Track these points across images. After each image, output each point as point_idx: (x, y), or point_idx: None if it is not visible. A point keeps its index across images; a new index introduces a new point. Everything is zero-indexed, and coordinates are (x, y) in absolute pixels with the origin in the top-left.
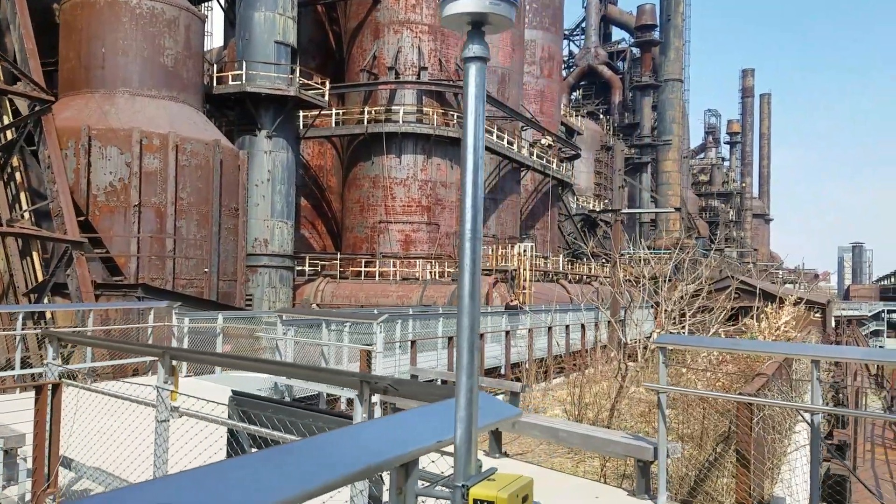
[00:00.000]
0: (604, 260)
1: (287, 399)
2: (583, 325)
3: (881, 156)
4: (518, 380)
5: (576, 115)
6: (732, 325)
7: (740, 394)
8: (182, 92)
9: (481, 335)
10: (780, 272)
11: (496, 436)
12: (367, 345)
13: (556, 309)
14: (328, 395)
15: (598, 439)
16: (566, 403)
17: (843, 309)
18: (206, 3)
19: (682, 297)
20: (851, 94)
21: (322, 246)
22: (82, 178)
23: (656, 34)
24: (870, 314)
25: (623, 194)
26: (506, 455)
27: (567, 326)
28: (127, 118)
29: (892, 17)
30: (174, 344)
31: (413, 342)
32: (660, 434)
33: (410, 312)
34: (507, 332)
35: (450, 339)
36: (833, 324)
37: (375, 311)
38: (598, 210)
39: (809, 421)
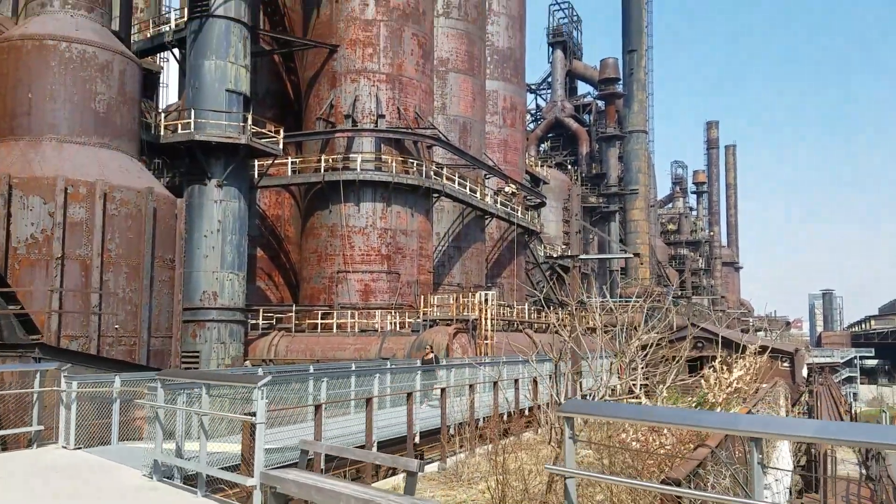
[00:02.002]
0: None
1: None
2: (534, 380)
3: (846, 202)
4: (420, 456)
5: (542, 166)
6: (692, 377)
7: (664, 481)
8: (115, 139)
9: (372, 397)
10: (752, 320)
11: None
12: (251, 413)
13: (487, 362)
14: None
15: None
16: (489, 477)
17: (816, 356)
18: (162, 55)
19: (643, 347)
20: (816, 143)
21: (279, 298)
22: (0, 230)
23: (620, 87)
24: (842, 361)
25: (579, 240)
26: None
27: (516, 381)
28: (52, 166)
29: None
30: (61, 413)
31: (318, 406)
32: None
33: (328, 368)
34: (409, 395)
35: (368, 400)
36: (805, 372)
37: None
38: (554, 256)
39: None
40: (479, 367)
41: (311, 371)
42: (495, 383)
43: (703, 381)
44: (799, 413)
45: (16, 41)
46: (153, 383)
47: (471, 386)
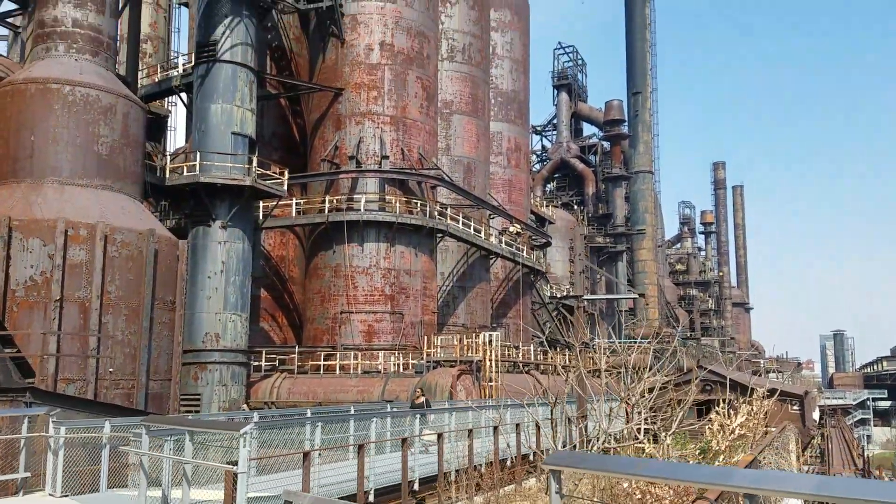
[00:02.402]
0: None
1: None
2: (536, 425)
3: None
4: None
5: (548, 206)
6: (700, 421)
7: None
8: (118, 181)
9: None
10: (762, 361)
11: None
12: (232, 463)
13: (483, 405)
14: None
15: None
16: None
17: (827, 398)
18: (170, 99)
19: (650, 390)
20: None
21: (283, 339)
22: None
23: (625, 128)
24: (854, 402)
25: (583, 280)
26: None
27: (517, 426)
28: (53, 208)
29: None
30: (49, 459)
31: (306, 454)
32: None
33: (325, 412)
34: (404, 440)
35: (360, 447)
36: (817, 414)
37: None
38: (558, 297)
39: None
40: (476, 411)
41: (305, 415)
42: (496, 428)
43: (716, 419)
44: (811, 457)
45: (19, 84)
46: (138, 429)
47: (470, 431)
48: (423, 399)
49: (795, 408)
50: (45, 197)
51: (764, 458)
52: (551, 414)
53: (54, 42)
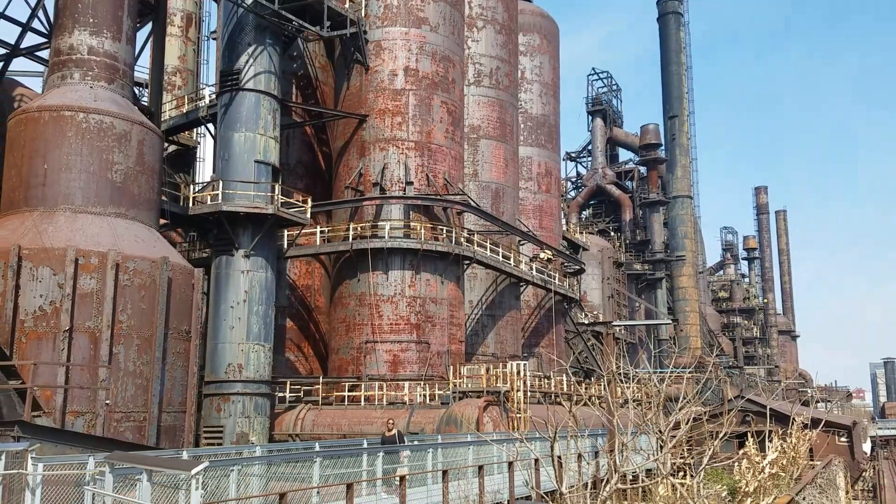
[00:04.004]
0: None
1: None
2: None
3: None
4: None
5: (582, 232)
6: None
7: None
8: (132, 208)
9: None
10: (810, 391)
11: None
12: None
13: (466, 442)
14: None
15: None
16: None
17: (880, 428)
18: (200, 131)
19: (685, 422)
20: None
21: (309, 370)
22: (8, 301)
23: (661, 152)
24: None
25: (612, 305)
26: None
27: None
28: (64, 237)
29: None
30: (27, 497)
31: (283, 496)
32: None
33: (316, 448)
34: (349, 486)
35: (349, 486)
36: (868, 446)
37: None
38: (586, 323)
39: None
40: (463, 447)
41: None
42: (510, 464)
43: (754, 452)
44: (861, 492)
45: (33, 112)
46: (103, 467)
47: (480, 468)
48: (395, 432)
49: (843, 439)
50: (56, 225)
51: (804, 498)
52: (552, 450)
53: (69, 70)
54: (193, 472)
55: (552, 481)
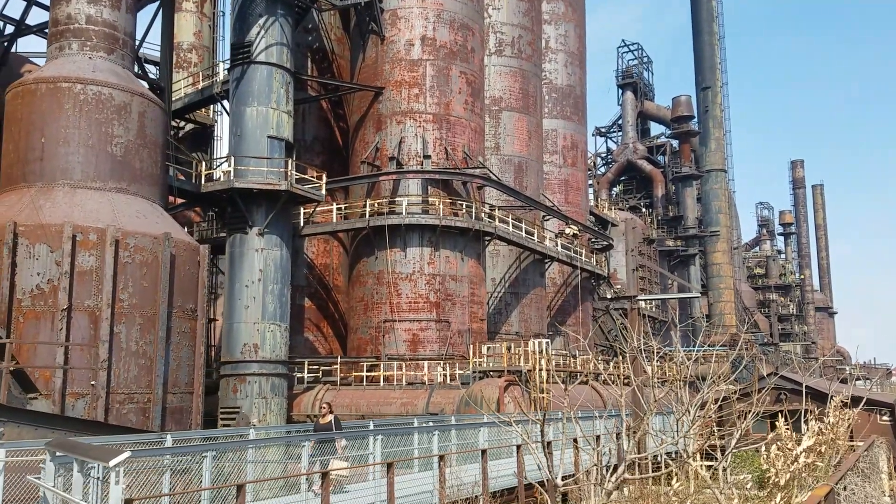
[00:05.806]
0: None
1: None
2: (574, 441)
3: None
4: None
5: (612, 208)
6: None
7: None
8: (133, 183)
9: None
10: (848, 368)
11: None
12: None
13: (424, 427)
14: None
15: None
16: None
17: None
18: (217, 108)
19: (715, 401)
20: None
21: (328, 349)
22: (4, 280)
23: (694, 125)
24: None
25: (636, 279)
26: None
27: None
28: (62, 213)
29: None
30: None
31: (240, 487)
32: None
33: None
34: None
35: (324, 474)
36: None
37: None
38: (609, 298)
39: None
40: (457, 430)
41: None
42: (519, 447)
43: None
44: None
45: (29, 85)
46: (43, 455)
47: (483, 451)
48: (330, 418)
49: (886, 418)
50: (53, 201)
51: (845, 487)
52: (542, 435)
53: (67, 40)
54: (113, 462)
55: (566, 466)
